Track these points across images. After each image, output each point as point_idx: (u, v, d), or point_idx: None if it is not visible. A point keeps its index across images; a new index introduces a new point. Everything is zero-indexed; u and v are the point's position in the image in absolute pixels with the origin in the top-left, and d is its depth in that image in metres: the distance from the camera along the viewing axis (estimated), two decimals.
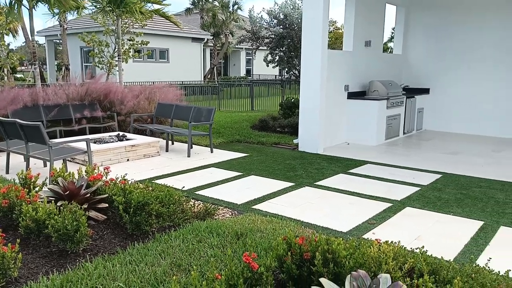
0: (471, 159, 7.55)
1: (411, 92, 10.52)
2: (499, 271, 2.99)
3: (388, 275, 2.53)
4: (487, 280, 2.90)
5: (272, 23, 12.78)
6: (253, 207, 4.92)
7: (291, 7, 12.35)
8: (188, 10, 29.17)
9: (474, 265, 3.14)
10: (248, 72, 34.21)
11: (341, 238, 2.93)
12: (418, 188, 5.73)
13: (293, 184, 5.92)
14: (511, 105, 9.60)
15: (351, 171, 6.72)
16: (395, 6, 10.90)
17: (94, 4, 11.66)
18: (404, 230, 4.32)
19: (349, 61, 9.11)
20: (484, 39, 9.88)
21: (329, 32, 24.25)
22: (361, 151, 8.22)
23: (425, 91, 10.78)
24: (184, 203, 4.45)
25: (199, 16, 29.49)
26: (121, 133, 7.72)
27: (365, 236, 4.13)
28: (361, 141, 9.07)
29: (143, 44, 14.09)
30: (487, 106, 9.97)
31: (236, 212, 4.75)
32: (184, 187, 5.34)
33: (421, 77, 10.91)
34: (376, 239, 2.98)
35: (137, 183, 4.49)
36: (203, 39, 25.75)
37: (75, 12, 11.95)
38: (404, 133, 9.99)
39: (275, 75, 28.91)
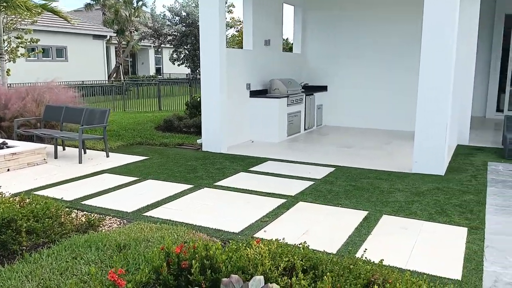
0: (363, 151, 8.03)
1: (310, 90, 10.94)
2: (373, 261, 3.11)
3: (261, 277, 2.50)
4: (363, 271, 3.02)
5: (175, 21, 12.45)
6: (145, 214, 4.68)
7: (194, 5, 12.14)
8: (88, 6, 27.42)
9: (352, 256, 3.27)
10: (158, 70, 33.22)
11: (219, 243, 2.86)
12: (312, 182, 5.92)
13: (191, 186, 5.77)
14: (400, 99, 10.40)
15: (252, 169, 6.75)
16: (292, 6, 11.23)
17: None
18: (294, 225, 4.40)
19: (249, 60, 9.18)
20: (373, 35, 10.57)
21: (236, 31, 24.51)
22: (264, 148, 8.33)
23: (324, 88, 11.28)
24: (63, 215, 4.08)
25: (101, 12, 27.90)
26: (0, 141, 6.94)
27: (256, 235, 4.13)
28: (265, 138, 9.21)
29: (33, 42, 12.89)
30: (378, 101, 10.70)
31: (125, 221, 4.48)
32: (62, 197, 4.91)
33: (320, 75, 11.40)
34: (256, 240, 2.96)
35: (12, 197, 4.02)
36: (105, 36, 24.41)
37: None
38: (305, 129, 10.35)
39: (187, 74, 28.42)
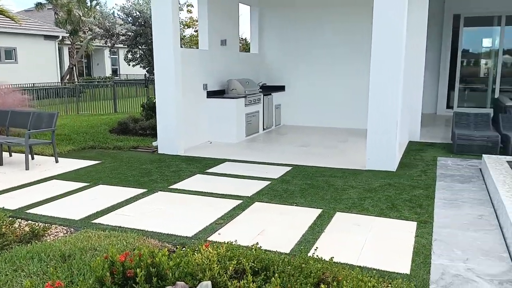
0: (319, 150, 8.12)
1: (268, 90, 10.97)
2: (325, 259, 3.12)
3: (208, 282, 2.45)
4: (314, 269, 3.02)
5: (127, 20, 12.13)
6: (94, 221, 4.50)
7: (146, 4, 11.88)
8: (39, 5, 26.26)
9: (304, 255, 3.27)
10: (115, 72, 32.34)
11: (166, 249, 2.77)
12: (269, 182, 5.91)
13: (145, 190, 5.61)
14: (355, 97, 10.61)
15: (209, 170, 6.67)
16: (249, 6, 11.22)
17: None
18: (249, 226, 4.36)
19: (206, 60, 9.07)
20: (328, 35, 10.73)
21: (195, 31, 24.21)
22: (222, 149, 8.26)
23: (281, 88, 11.35)
24: (5, 226, 3.85)
25: (53, 12, 26.80)
26: None
27: (210, 238, 4.06)
28: (223, 139, 9.14)
29: None
30: (335, 100, 10.88)
31: (72, 229, 4.28)
32: (3, 206, 4.65)
33: (277, 75, 11.45)
34: (205, 244, 2.90)
35: None
36: (57, 36, 23.47)
37: None
38: (264, 129, 10.36)
39: (144, 75, 27.82)
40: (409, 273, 3.34)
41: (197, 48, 9.36)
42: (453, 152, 7.62)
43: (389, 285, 3.10)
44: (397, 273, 3.35)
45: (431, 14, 9.02)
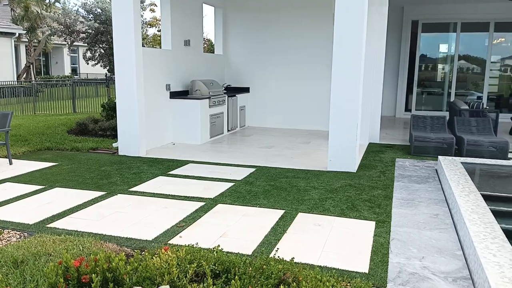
0: (283, 151, 8.19)
1: (233, 91, 10.95)
2: (286, 259, 3.13)
3: (167, 286, 2.40)
4: (275, 270, 3.03)
5: (89, 17, 11.78)
6: (49, 225, 4.33)
7: (108, 2, 11.58)
8: None
9: (265, 257, 3.27)
10: (75, 70, 31.32)
11: (123, 254, 2.70)
12: (232, 184, 5.89)
13: (104, 193, 5.45)
14: (318, 99, 10.77)
15: (171, 172, 6.56)
16: (213, 7, 11.16)
17: None
18: (212, 228, 4.33)
19: (169, 60, 8.95)
20: (292, 37, 10.84)
21: (158, 30, 23.84)
22: (185, 151, 8.16)
23: (246, 89, 11.36)
24: None
25: (9, 8, 25.61)
26: None
27: (171, 241, 3.99)
28: (187, 140, 9.04)
29: None
30: (299, 102, 11.01)
31: (26, 234, 4.10)
32: None
33: (242, 76, 11.46)
34: (163, 247, 2.85)
35: None
36: (13, 33, 22.48)
37: None
38: (228, 130, 10.33)
39: (105, 74, 27.11)
40: (367, 272, 3.41)
41: (160, 48, 9.22)
42: (410, 153, 7.88)
43: (348, 284, 3.16)
44: (356, 272, 3.41)
45: (390, 20, 9.31)
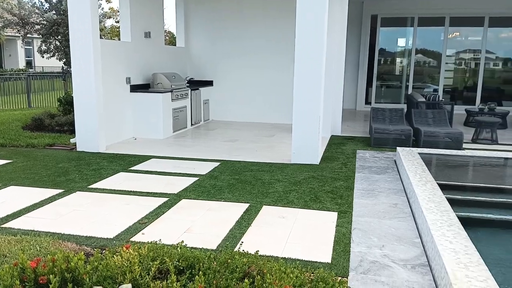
0: (247, 145, 8.19)
1: (196, 85, 10.82)
2: (250, 252, 3.13)
3: (129, 285, 2.35)
4: (239, 264, 3.02)
5: (44, 8, 11.25)
6: (4, 225, 4.12)
7: None
8: None
9: (229, 251, 3.26)
10: (30, 63, 29.94)
11: (82, 253, 2.61)
12: (197, 179, 5.83)
13: (62, 190, 5.26)
14: (282, 93, 10.82)
15: (133, 168, 6.41)
16: None
17: None
18: (176, 224, 4.27)
19: (129, 53, 8.71)
20: (254, 31, 10.81)
21: (116, 22, 23.15)
22: (147, 146, 8.00)
23: (209, 83, 11.25)
24: None
25: None
26: None
27: (133, 239, 3.90)
28: (149, 135, 8.86)
29: None
30: (262, 95, 11.02)
31: None
32: None
33: (205, 70, 11.34)
34: (125, 245, 2.78)
35: None
36: None
37: None
38: (192, 124, 10.21)
39: (62, 67, 26.07)
40: (330, 262, 3.48)
41: (119, 40, 8.95)
42: (371, 145, 8.08)
43: (312, 274, 3.20)
44: (320, 262, 3.47)
45: (350, 14, 9.47)
